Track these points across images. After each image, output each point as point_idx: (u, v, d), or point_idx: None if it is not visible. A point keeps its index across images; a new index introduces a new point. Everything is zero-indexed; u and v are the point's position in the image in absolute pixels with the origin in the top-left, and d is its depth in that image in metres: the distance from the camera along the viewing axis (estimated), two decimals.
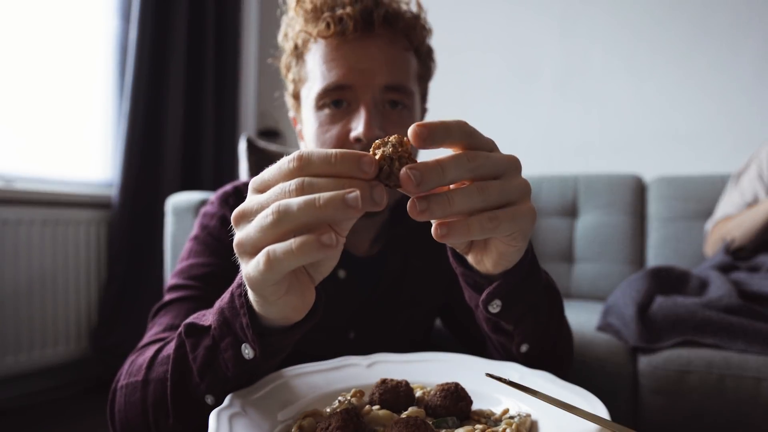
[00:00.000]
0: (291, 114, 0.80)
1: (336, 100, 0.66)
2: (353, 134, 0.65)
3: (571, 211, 1.87)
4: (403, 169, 0.33)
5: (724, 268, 1.21)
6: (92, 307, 2.14)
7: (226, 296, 0.44)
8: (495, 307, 0.47)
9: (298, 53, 0.71)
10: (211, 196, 0.80)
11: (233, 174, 2.65)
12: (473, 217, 0.36)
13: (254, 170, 1.39)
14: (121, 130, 2.20)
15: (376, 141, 0.36)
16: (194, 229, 0.76)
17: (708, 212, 1.68)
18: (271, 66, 3.47)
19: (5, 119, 1.93)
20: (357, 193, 0.32)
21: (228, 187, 0.79)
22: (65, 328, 2.03)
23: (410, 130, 0.34)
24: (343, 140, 0.66)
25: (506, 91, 2.36)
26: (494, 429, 0.39)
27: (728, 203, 1.48)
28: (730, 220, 1.41)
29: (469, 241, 0.45)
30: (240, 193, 0.77)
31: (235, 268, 0.42)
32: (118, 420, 0.55)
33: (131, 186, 2.19)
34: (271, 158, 1.61)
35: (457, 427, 0.40)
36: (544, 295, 0.53)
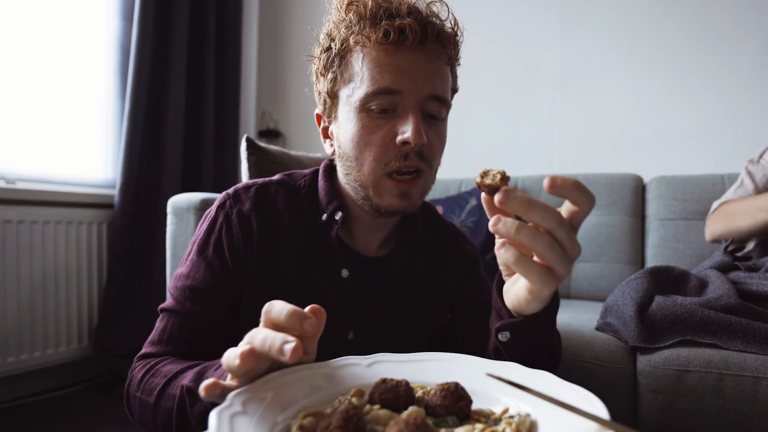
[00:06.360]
0: (317, 110, 0.78)
1: (383, 109, 0.67)
2: (402, 137, 0.66)
3: None
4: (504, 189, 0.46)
5: (724, 268, 1.21)
6: (93, 306, 2.14)
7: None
8: (504, 337, 0.58)
9: (343, 53, 0.70)
10: (216, 199, 0.78)
11: (234, 174, 2.65)
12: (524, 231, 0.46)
13: (254, 170, 1.39)
14: (122, 130, 2.21)
15: (481, 171, 0.48)
16: (196, 231, 0.76)
17: (707, 212, 1.68)
18: (271, 67, 3.44)
19: (6, 119, 1.94)
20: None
21: (229, 191, 0.77)
22: (66, 328, 2.03)
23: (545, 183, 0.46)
24: (388, 143, 0.67)
25: (506, 91, 2.36)
26: (494, 428, 0.39)
27: (737, 188, 1.40)
28: (734, 203, 1.33)
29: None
30: (238, 197, 0.75)
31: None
32: (134, 417, 0.68)
33: (132, 186, 2.19)
34: (272, 158, 1.60)
35: (456, 427, 0.40)
36: (548, 354, 0.63)
